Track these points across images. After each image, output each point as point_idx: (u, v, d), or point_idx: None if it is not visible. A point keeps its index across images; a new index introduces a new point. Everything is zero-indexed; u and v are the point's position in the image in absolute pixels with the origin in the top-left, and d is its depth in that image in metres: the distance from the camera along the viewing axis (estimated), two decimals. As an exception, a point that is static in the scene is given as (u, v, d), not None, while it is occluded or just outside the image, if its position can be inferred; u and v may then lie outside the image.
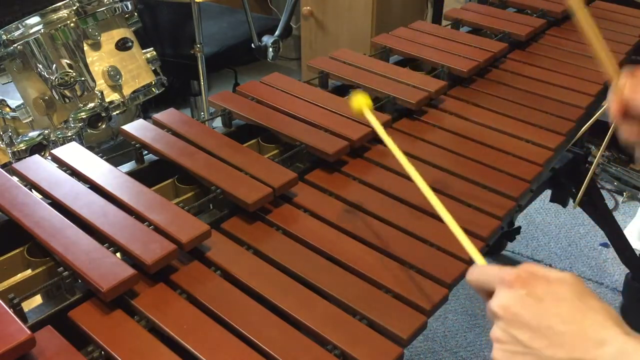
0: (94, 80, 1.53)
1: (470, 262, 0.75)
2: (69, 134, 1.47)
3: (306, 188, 0.86)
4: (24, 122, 1.55)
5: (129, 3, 1.63)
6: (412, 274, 0.72)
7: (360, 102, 0.77)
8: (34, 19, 1.46)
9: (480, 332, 1.75)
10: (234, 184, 0.80)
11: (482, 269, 0.56)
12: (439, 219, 0.81)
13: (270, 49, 1.99)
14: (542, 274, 0.50)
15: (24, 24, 1.46)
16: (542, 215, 2.18)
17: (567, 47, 1.36)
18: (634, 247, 1.73)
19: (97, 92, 1.53)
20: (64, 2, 1.49)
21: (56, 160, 0.85)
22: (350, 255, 0.74)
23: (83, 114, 1.49)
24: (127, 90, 1.60)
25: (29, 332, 0.55)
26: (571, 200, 1.63)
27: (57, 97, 1.48)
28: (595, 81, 1.21)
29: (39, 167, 0.82)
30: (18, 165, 0.83)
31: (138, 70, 1.64)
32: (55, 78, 1.46)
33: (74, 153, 0.86)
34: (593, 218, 1.70)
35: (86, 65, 1.52)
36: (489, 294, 0.53)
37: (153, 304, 0.65)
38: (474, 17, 1.44)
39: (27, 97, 1.53)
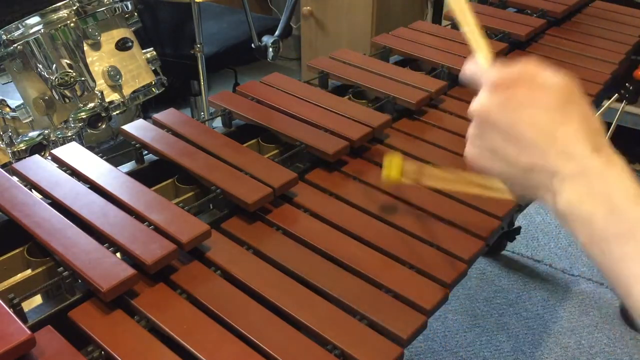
0: (94, 80, 1.53)
1: (469, 262, 0.75)
2: (69, 134, 1.47)
3: (306, 188, 0.86)
4: (24, 122, 1.55)
5: (129, 3, 1.63)
6: (412, 274, 0.72)
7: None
8: (34, 19, 1.46)
9: (480, 332, 1.75)
10: (234, 184, 0.80)
11: (476, 66, 0.55)
12: (439, 218, 0.82)
13: (270, 49, 1.99)
14: (530, 77, 0.48)
15: (24, 24, 1.46)
16: (542, 215, 2.18)
17: (567, 47, 1.36)
18: (634, 247, 1.73)
19: (97, 92, 1.53)
20: (64, 2, 1.49)
21: (56, 160, 0.85)
22: (350, 255, 0.74)
23: (83, 114, 1.49)
24: (127, 90, 1.60)
25: (29, 332, 0.55)
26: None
27: (57, 97, 1.48)
28: (595, 81, 1.21)
29: (39, 167, 0.82)
30: (18, 165, 0.83)
31: (138, 70, 1.64)
32: (55, 78, 1.46)
33: (74, 153, 0.86)
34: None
35: (86, 65, 1.52)
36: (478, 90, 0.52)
37: (153, 304, 0.65)
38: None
39: (27, 97, 1.53)
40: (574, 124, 0.46)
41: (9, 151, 1.41)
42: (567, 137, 0.45)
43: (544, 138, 0.46)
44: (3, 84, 1.55)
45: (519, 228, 1.90)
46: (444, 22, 1.48)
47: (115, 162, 0.85)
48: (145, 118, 1.04)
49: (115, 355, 0.59)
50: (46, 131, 1.46)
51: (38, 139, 1.43)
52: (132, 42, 1.63)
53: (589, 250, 0.43)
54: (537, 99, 0.47)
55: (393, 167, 0.72)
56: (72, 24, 1.49)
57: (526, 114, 0.47)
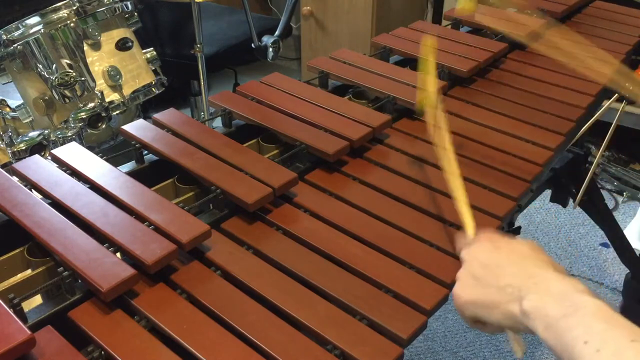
0: (94, 80, 1.53)
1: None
2: (69, 134, 1.47)
3: (306, 188, 0.86)
4: (24, 122, 1.55)
5: (129, 3, 1.63)
6: (412, 274, 0.72)
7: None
8: (34, 19, 1.46)
9: (480, 332, 1.75)
10: (234, 184, 0.80)
11: (466, 239, 0.71)
12: (439, 218, 0.82)
13: (270, 49, 1.99)
14: (507, 236, 0.67)
15: (24, 24, 1.46)
16: (542, 215, 2.18)
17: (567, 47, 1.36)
18: (634, 247, 1.73)
19: (97, 92, 1.53)
20: (64, 2, 1.49)
21: (56, 160, 0.85)
22: (350, 255, 0.74)
23: (83, 114, 1.49)
24: (127, 90, 1.60)
25: (29, 332, 0.55)
26: (571, 200, 1.63)
27: (57, 97, 1.48)
28: (596, 81, 1.21)
29: (39, 167, 0.82)
30: (18, 165, 0.83)
31: (138, 70, 1.64)
32: (55, 78, 1.46)
33: (74, 153, 0.86)
34: (593, 218, 1.70)
35: (86, 65, 1.52)
36: None
37: (153, 304, 0.65)
38: (474, 17, 1.43)
39: (27, 97, 1.53)
40: (539, 258, 0.61)
41: (9, 151, 1.41)
42: (534, 265, 0.60)
43: (516, 266, 0.61)
44: (3, 84, 1.55)
45: (519, 228, 1.89)
46: (444, 22, 1.48)
47: (115, 162, 0.85)
48: (145, 118, 1.04)
49: (115, 355, 0.59)
50: (46, 131, 1.46)
51: (38, 139, 1.43)
52: (132, 42, 1.63)
53: (545, 336, 0.53)
54: (514, 245, 0.64)
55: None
56: (72, 24, 1.49)
57: (504, 253, 0.63)
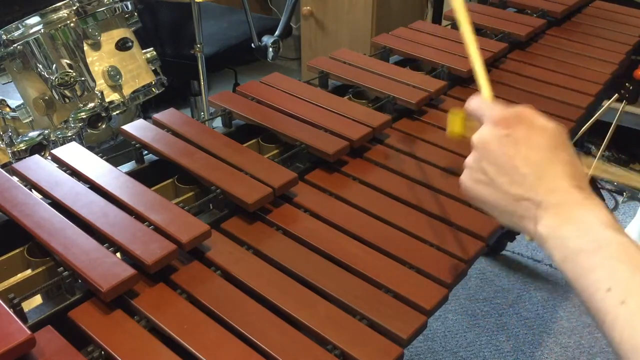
0: (94, 80, 1.53)
1: (469, 262, 0.75)
2: (69, 134, 1.47)
3: (306, 188, 0.86)
4: (24, 122, 1.55)
5: (129, 3, 1.63)
6: (412, 274, 0.72)
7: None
8: (34, 19, 1.46)
9: (480, 332, 1.75)
10: (234, 184, 0.80)
11: (481, 101, 0.62)
12: (439, 218, 0.82)
13: (270, 49, 1.99)
14: (528, 119, 0.56)
15: (24, 24, 1.46)
16: (542, 215, 2.18)
17: (567, 47, 1.36)
18: (634, 247, 1.73)
19: (97, 92, 1.53)
20: (64, 2, 1.49)
21: (56, 160, 0.85)
22: (350, 255, 0.74)
23: (83, 114, 1.49)
24: (127, 90, 1.60)
25: (29, 332, 0.55)
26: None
27: (57, 97, 1.48)
28: (595, 81, 1.21)
29: (39, 167, 0.82)
30: (18, 165, 0.83)
31: (138, 70, 1.64)
32: (55, 78, 1.46)
33: (74, 153, 0.86)
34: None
35: (86, 65, 1.52)
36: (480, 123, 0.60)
37: (153, 304, 0.65)
38: (474, 17, 1.44)
39: (27, 97, 1.53)
40: (561, 165, 0.53)
41: (9, 151, 1.41)
42: (555, 174, 0.53)
43: (534, 173, 0.53)
44: (3, 84, 1.55)
45: (519, 228, 1.90)
46: (444, 22, 1.48)
47: (115, 162, 0.85)
48: (145, 118, 1.04)
49: (115, 355, 0.59)
50: (46, 131, 1.46)
51: (38, 139, 1.43)
52: (132, 42, 1.63)
53: (562, 267, 0.49)
54: (532, 139, 0.54)
55: (457, 123, 0.73)
56: (72, 24, 1.49)
57: (522, 150, 0.54)
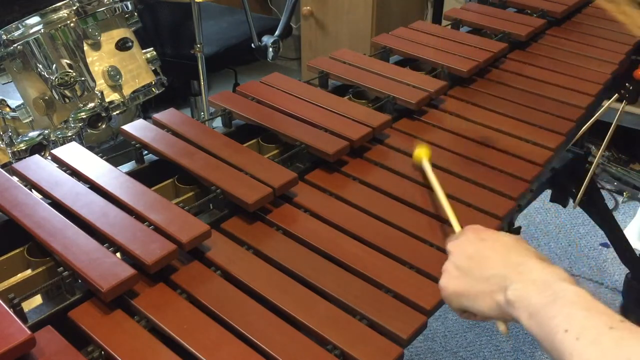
0: (94, 80, 1.53)
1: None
2: (69, 134, 1.47)
3: (306, 188, 0.86)
4: (24, 122, 1.55)
5: (129, 3, 1.63)
6: (412, 274, 0.72)
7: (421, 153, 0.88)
8: (34, 19, 1.46)
9: (480, 332, 1.75)
10: (234, 184, 0.80)
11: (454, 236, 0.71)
12: (439, 219, 0.82)
13: (270, 49, 1.99)
14: (492, 230, 0.67)
15: (24, 24, 1.46)
16: (542, 215, 2.18)
17: (567, 47, 1.36)
18: (634, 247, 1.73)
19: (97, 92, 1.53)
20: (64, 2, 1.49)
21: (56, 160, 0.85)
22: (350, 255, 0.74)
23: (83, 114, 1.49)
24: (127, 90, 1.60)
25: (29, 332, 0.55)
26: (571, 200, 1.63)
27: (57, 97, 1.48)
28: (595, 81, 1.21)
29: (39, 167, 0.82)
30: (18, 165, 0.83)
31: (138, 70, 1.64)
32: (55, 78, 1.46)
33: (74, 153, 0.86)
34: (593, 218, 1.70)
35: (86, 65, 1.52)
36: None
37: (153, 304, 0.65)
38: (474, 17, 1.44)
39: (27, 97, 1.53)
40: (524, 249, 0.62)
41: (9, 151, 1.41)
42: (519, 253, 0.61)
43: (500, 256, 0.61)
44: (3, 84, 1.55)
45: (519, 228, 1.89)
46: (444, 22, 1.48)
47: (115, 162, 0.85)
48: (145, 118, 1.04)
49: (115, 355, 0.59)
50: (46, 131, 1.46)
51: (38, 139, 1.43)
52: (132, 42, 1.63)
53: (529, 324, 0.54)
54: (498, 237, 0.65)
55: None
56: (72, 24, 1.49)
57: (488, 244, 0.64)
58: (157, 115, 0.95)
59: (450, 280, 0.64)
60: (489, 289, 0.60)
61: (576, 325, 0.50)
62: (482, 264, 0.62)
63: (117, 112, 1.58)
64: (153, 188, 0.84)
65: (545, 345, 0.52)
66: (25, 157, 0.95)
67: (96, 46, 1.55)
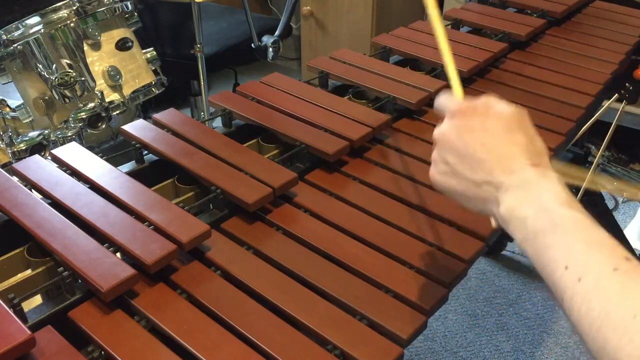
0: (94, 80, 1.53)
1: (469, 262, 0.75)
2: (69, 134, 1.47)
3: (306, 188, 0.86)
4: (24, 122, 1.55)
5: (129, 3, 1.63)
6: (412, 274, 0.72)
7: None
8: (34, 19, 1.46)
9: (480, 332, 1.75)
10: (234, 184, 0.80)
11: (445, 98, 0.64)
12: (438, 219, 0.82)
13: (270, 49, 1.99)
14: (484, 107, 0.58)
15: (24, 24, 1.46)
16: (542, 215, 2.18)
17: (567, 47, 1.36)
18: (634, 247, 1.73)
19: (97, 92, 1.53)
20: (64, 2, 1.49)
21: (56, 160, 0.85)
22: (350, 255, 0.74)
23: (83, 114, 1.49)
24: (127, 90, 1.60)
25: (29, 332, 0.55)
26: (571, 200, 1.63)
27: (57, 97, 1.48)
28: (595, 81, 1.21)
29: (39, 167, 0.82)
30: (18, 165, 0.83)
31: (138, 70, 1.64)
32: (55, 78, 1.46)
33: (74, 153, 0.86)
34: (593, 218, 1.70)
35: (86, 65, 1.52)
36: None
37: (153, 304, 0.65)
38: (474, 17, 1.44)
39: (27, 97, 1.53)
40: (517, 146, 0.55)
41: (9, 151, 1.41)
42: (510, 155, 0.54)
43: (491, 157, 0.55)
44: (3, 84, 1.55)
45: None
46: (444, 22, 1.48)
47: (115, 162, 0.85)
48: (145, 118, 1.04)
49: (115, 355, 0.59)
50: (46, 131, 1.46)
51: (38, 139, 1.43)
52: (132, 42, 1.63)
53: (523, 247, 0.50)
54: (488, 125, 0.56)
55: None
56: (72, 24, 1.49)
57: (478, 136, 0.56)
58: (157, 115, 0.95)
59: (440, 176, 0.59)
60: (482, 196, 0.55)
61: (577, 263, 0.46)
62: (471, 165, 0.56)
63: (117, 112, 1.58)
64: (153, 188, 0.84)
65: (542, 274, 0.49)
66: (25, 157, 0.95)
67: (96, 46, 1.55)
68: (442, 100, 0.64)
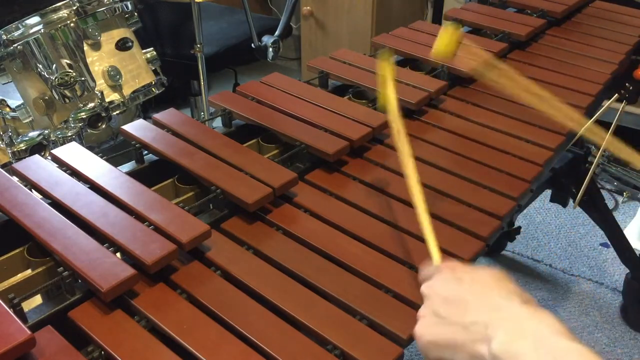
0: (94, 80, 1.53)
1: (469, 262, 0.75)
2: (69, 134, 1.47)
3: (306, 188, 0.86)
4: (24, 122, 1.55)
5: (129, 3, 1.63)
6: (412, 274, 0.72)
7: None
8: (34, 19, 1.46)
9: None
10: (234, 184, 0.80)
11: (427, 267, 0.65)
12: (439, 218, 0.82)
13: (270, 49, 1.99)
14: (467, 266, 0.60)
15: (24, 24, 1.45)
16: (542, 215, 2.18)
17: (567, 47, 1.36)
18: (634, 247, 1.73)
19: (97, 92, 1.53)
20: (64, 2, 1.49)
21: (56, 160, 0.85)
22: (350, 255, 0.74)
23: (83, 114, 1.49)
24: (127, 90, 1.60)
25: (29, 332, 0.55)
26: (571, 200, 1.63)
27: (57, 97, 1.48)
28: (595, 81, 1.21)
29: (39, 167, 0.82)
30: (18, 165, 0.83)
31: (138, 70, 1.64)
32: (55, 78, 1.46)
33: (74, 153, 0.86)
34: (593, 218, 1.70)
35: (86, 65, 1.52)
36: None
37: (153, 304, 0.65)
38: (474, 17, 1.44)
39: (27, 97, 1.53)
40: (506, 290, 0.55)
41: (9, 151, 1.41)
42: (499, 294, 0.54)
43: (479, 298, 0.55)
44: (3, 84, 1.55)
45: (519, 228, 1.90)
46: (444, 22, 1.48)
47: (115, 162, 0.85)
48: (145, 118, 1.04)
49: (115, 355, 0.59)
50: (46, 131, 1.46)
51: (38, 139, 1.43)
52: (132, 42, 1.63)
53: None
54: (475, 275, 0.58)
55: (446, 40, 0.73)
56: (72, 24, 1.49)
57: (465, 283, 0.57)
58: (157, 115, 0.95)
59: (428, 328, 0.57)
60: (470, 338, 0.52)
61: None
62: (460, 309, 0.54)
63: (117, 112, 1.58)
64: (153, 188, 0.84)
65: None
66: (25, 157, 0.95)
67: (96, 46, 1.55)
68: (425, 270, 0.65)
